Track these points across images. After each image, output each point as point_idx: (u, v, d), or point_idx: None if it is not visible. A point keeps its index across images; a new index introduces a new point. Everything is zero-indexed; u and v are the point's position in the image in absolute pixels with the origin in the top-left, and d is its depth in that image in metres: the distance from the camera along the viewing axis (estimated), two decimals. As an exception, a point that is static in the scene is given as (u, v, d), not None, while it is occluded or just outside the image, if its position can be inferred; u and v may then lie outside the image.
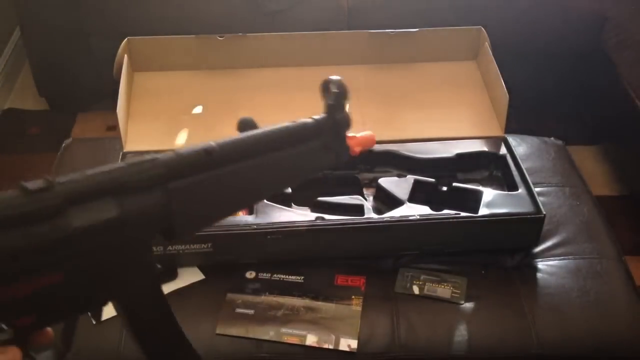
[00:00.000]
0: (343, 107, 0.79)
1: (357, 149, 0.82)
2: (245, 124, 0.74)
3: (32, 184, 0.54)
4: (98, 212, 0.57)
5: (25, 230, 0.53)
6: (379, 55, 1.62)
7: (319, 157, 0.78)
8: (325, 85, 0.80)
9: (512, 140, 1.43)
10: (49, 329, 0.59)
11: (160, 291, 0.65)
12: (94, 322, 0.66)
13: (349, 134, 0.82)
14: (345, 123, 0.80)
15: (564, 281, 1.23)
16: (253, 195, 0.75)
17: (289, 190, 1.29)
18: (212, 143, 0.67)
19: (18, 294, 0.53)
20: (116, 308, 0.63)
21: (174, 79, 1.58)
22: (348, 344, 1.11)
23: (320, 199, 1.28)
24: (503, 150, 1.39)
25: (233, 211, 0.80)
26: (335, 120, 0.78)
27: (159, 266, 0.63)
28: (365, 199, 1.29)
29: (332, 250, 1.24)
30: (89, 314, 0.62)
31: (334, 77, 0.79)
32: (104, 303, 0.62)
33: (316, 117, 0.78)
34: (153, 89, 1.55)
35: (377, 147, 1.39)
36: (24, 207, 0.53)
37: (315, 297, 1.18)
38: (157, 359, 0.67)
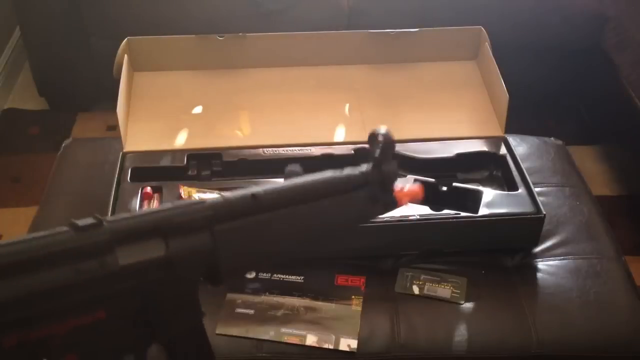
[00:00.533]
0: (390, 159, 0.77)
1: (404, 200, 0.81)
2: (291, 173, 0.74)
3: (83, 221, 0.55)
4: (145, 251, 0.58)
5: (74, 267, 0.53)
6: (379, 55, 1.62)
7: (366, 207, 0.77)
8: (372, 137, 0.77)
9: (512, 140, 1.43)
10: None
11: (204, 334, 0.65)
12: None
13: (396, 186, 0.80)
14: (393, 175, 0.78)
15: (564, 281, 1.23)
16: (299, 242, 0.74)
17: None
18: (259, 188, 0.67)
19: (62, 330, 0.54)
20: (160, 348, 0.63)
21: (174, 79, 1.58)
22: (348, 344, 1.11)
23: (320, 199, 1.28)
24: (503, 150, 1.39)
25: (279, 258, 0.82)
26: (382, 172, 0.76)
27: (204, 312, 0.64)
28: (365, 199, 1.28)
29: (332, 250, 1.24)
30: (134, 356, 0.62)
31: (382, 129, 0.77)
32: (148, 344, 0.62)
33: (362, 168, 0.76)
34: (153, 89, 1.55)
35: (377, 147, 1.39)
36: (74, 243, 0.54)
37: (315, 297, 1.18)
38: None
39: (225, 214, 0.63)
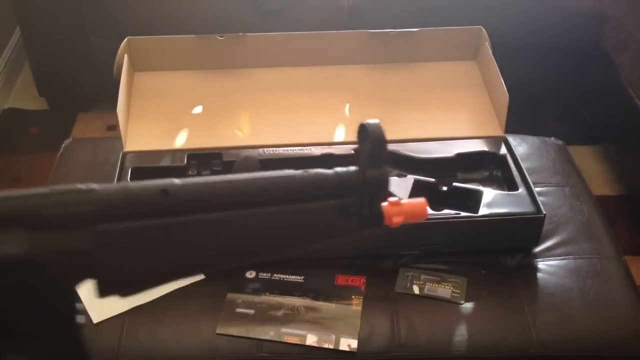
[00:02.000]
0: (379, 161, 0.57)
1: (396, 220, 0.60)
2: (242, 165, 0.58)
3: None
4: (1, 243, 0.46)
5: None
6: (379, 55, 1.62)
7: (334, 222, 0.58)
8: (360, 131, 0.58)
9: (512, 140, 1.43)
10: None
11: (85, 355, 0.52)
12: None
13: (392, 198, 0.60)
14: (379, 182, 0.57)
15: (564, 281, 1.23)
16: (223, 259, 0.55)
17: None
18: (177, 181, 0.51)
19: None
20: None
21: (174, 79, 1.58)
22: (348, 343, 1.11)
23: (320, 199, 1.27)
24: (503, 150, 1.39)
25: (188, 274, 0.58)
26: (366, 177, 0.57)
27: (81, 322, 0.50)
28: (365, 199, 1.28)
29: (332, 250, 1.24)
30: None
31: (371, 122, 0.57)
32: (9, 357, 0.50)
33: (341, 169, 0.58)
34: (153, 89, 1.55)
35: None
36: None
37: (316, 297, 1.18)
38: None
39: (117, 211, 0.49)
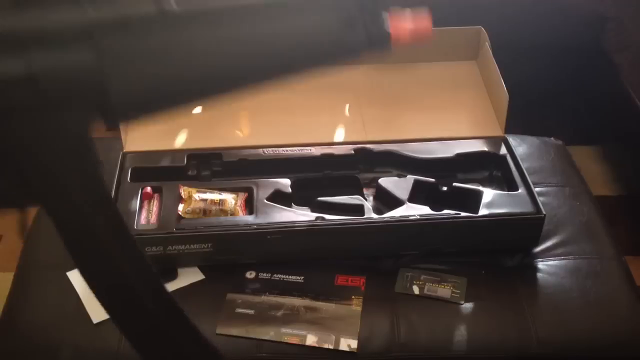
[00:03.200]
0: None
1: (403, 34, 0.57)
2: None
3: None
4: None
5: None
6: (379, 55, 1.61)
7: (339, 34, 0.54)
8: None
9: (512, 140, 1.43)
10: None
11: (111, 202, 0.48)
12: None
13: (394, 13, 0.57)
14: None
15: (564, 281, 1.23)
16: (229, 76, 0.53)
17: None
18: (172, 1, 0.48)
19: None
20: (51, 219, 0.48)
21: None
22: (348, 344, 1.11)
23: (320, 199, 1.28)
24: (503, 150, 1.39)
25: (196, 97, 0.57)
26: None
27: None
28: (365, 199, 1.29)
29: (332, 250, 1.24)
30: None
31: None
32: (27, 203, 0.48)
33: None
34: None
35: (377, 147, 1.39)
36: None
37: (315, 297, 1.18)
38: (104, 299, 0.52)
39: (116, 25, 0.46)
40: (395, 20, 0.56)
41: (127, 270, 0.50)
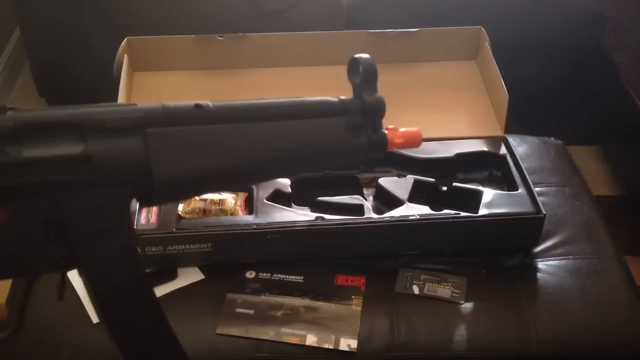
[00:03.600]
0: (373, 89, 0.66)
1: (397, 141, 0.66)
2: None
3: None
4: (57, 145, 0.49)
5: None
6: (379, 55, 1.60)
7: (344, 137, 0.63)
8: (351, 65, 0.66)
9: (512, 140, 1.43)
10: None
11: (140, 264, 0.55)
12: (58, 299, 0.56)
13: (389, 125, 0.67)
14: (379, 106, 0.65)
15: (564, 281, 1.23)
16: (253, 168, 0.60)
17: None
18: (208, 101, 0.57)
19: None
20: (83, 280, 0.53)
21: (174, 79, 1.58)
22: (348, 343, 1.11)
23: (320, 198, 1.28)
24: (503, 150, 1.39)
25: (227, 182, 0.66)
26: (365, 101, 0.64)
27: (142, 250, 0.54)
28: (365, 199, 1.29)
29: (332, 250, 1.24)
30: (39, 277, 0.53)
31: (362, 56, 0.67)
32: (66, 266, 0.52)
33: (343, 97, 0.65)
34: (153, 89, 1.55)
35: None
36: None
37: (315, 297, 1.18)
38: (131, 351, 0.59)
39: (160, 118, 0.54)
40: (391, 129, 0.67)
41: (151, 335, 0.59)
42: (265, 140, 0.59)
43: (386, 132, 0.66)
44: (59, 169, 0.48)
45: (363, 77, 0.65)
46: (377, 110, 0.65)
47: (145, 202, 0.56)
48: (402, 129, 0.68)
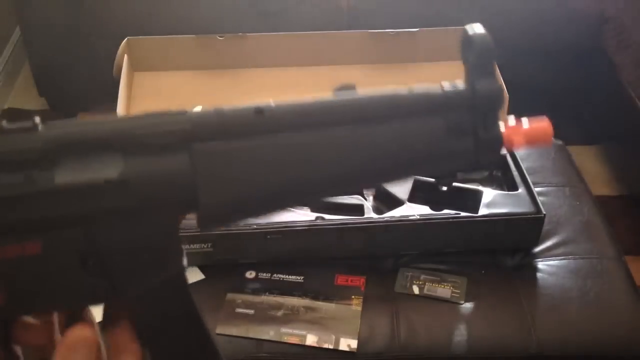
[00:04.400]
0: (491, 73, 0.49)
1: (516, 140, 0.51)
2: (341, 89, 0.49)
3: (13, 124, 0.42)
4: (92, 169, 0.43)
5: None
6: (379, 55, 1.62)
7: (444, 144, 0.49)
8: (464, 42, 0.50)
9: (512, 140, 1.42)
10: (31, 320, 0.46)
11: (189, 295, 0.48)
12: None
13: (509, 119, 0.51)
14: (495, 96, 0.49)
15: (564, 281, 1.23)
16: (323, 188, 0.49)
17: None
18: (271, 103, 0.46)
19: None
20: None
21: (174, 79, 1.58)
22: (348, 343, 1.11)
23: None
24: (503, 150, 1.39)
25: (291, 203, 0.56)
26: (476, 91, 0.49)
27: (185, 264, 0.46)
28: (365, 199, 1.29)
29: (332, 250, 1.24)
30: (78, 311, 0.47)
31: (475, 29, 0.49)
32: (107, 299, 0.48)
33: (448, 86, 0.50)
34: (153, 89, 1.55)
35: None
36: None
37: (315, 297, 1.18)
38: None
39: (212, 130, 0.46)
40: (510, 127, 0.51)
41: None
42: (340, 152, 0.47)
43: (503, 129, 0.50)
44: (94, 196, 0.43)
45: (477, 57, 0.49)
46: (491, 103, 0.49)
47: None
48: (525, 123, 0.51)
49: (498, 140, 0.49)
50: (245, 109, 0.46)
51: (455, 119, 0.49)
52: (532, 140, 0.51)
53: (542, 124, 0.50)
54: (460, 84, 0.50)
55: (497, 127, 0.49)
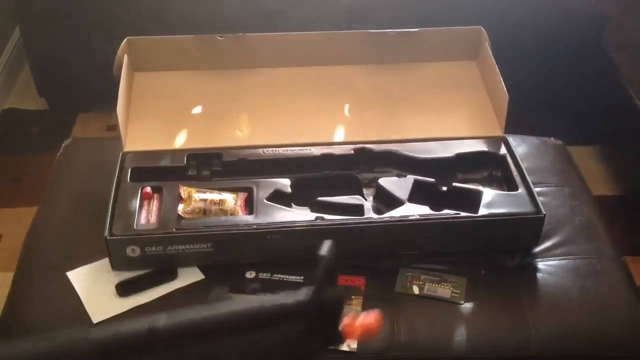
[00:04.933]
0: (334, 283, 0.66)
1: (355, 334, 0.65)
2: (214, 299, 0.64)
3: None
4: None
5: None
6: (379, 55, 1.62)
7: (300, 343, 0.62)
8: (315, 258, 0.64)
9: (512, 140, 1.43)
10: None
11: None
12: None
13: (347, 318, 0.65)
14: (336, 302, 0.63)
15: (563, 281, 1.23)
16: None
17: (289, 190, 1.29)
18: (162, 318, 0.57)
19: None
20: None
21: (174, 79, 1.58)
22: (348, 343, 1.11)
23: (320, 199, 1.28)
24: (503, 150, 1.39)
25: None
26: (321, 299, 0.62)
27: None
28: (365, 199, 1.29)
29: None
30: None
31: (325, 242, 0.65)
32: None
33: (299, 296, 0.62)
34: (153, 89, 1.55)
35: (377, 147, 1.39)
36: None
37: (315, 297, 1.18)
38: None
39: (112, 354, 0.55)
40: (348, 323, 0.64)
41: None
42: (219, 358, 0.59)
43: (342, 329, 0.64)
44: None
45: (322, 273, 0.63)
46: (334, 307, 0.63)
47: None
48: (359, 319, 0.66)
49: (340, 336, 0.63)
50: (138, 330, 0.55)
51: (308, 322, 0.60)
52: (365, 333, 0.65)
53: (372, 321, 0.65)
54: (307, 291, 0.61)
55: (338, 327, 0.62)
